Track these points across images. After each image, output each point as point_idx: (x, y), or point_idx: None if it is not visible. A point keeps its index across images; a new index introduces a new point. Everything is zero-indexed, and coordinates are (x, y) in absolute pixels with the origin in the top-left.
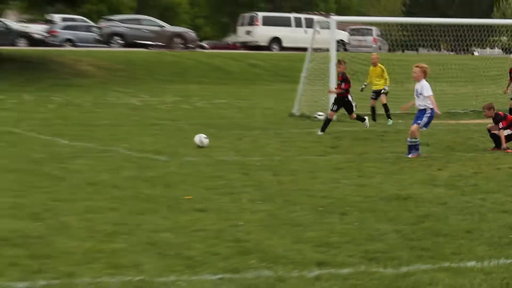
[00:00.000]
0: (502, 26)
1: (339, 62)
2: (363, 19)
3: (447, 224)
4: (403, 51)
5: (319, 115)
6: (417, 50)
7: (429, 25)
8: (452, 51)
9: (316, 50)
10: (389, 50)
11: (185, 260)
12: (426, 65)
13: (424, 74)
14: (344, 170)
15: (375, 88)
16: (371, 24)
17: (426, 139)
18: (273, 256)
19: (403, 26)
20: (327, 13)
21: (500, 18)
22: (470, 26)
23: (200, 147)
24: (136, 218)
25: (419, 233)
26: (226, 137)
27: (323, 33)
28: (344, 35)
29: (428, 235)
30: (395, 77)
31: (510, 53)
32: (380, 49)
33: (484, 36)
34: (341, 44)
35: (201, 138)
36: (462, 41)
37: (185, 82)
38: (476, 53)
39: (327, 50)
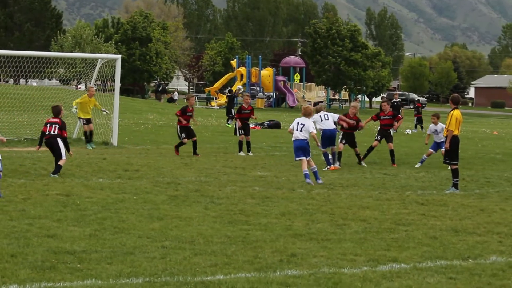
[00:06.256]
0: (59, 58)
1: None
2: None
3: None
4: None
5: None
6: None
7: None
8: (14, 81)
9: None
10: None
11: None
12: None
13: None
14: None
15: (87, 116)
16: None
17: None
18: None
19: None
20: None
21: (58, 51)
22: (29, 57)
23: None
24: None
25: None
26: None
27: None
28: None
29: None
30: None
31: (67, 84)
32: None
33: (43, 68)
34: None
35: None
36: (21, 72)
37: None
38: (34, 84)
39: None
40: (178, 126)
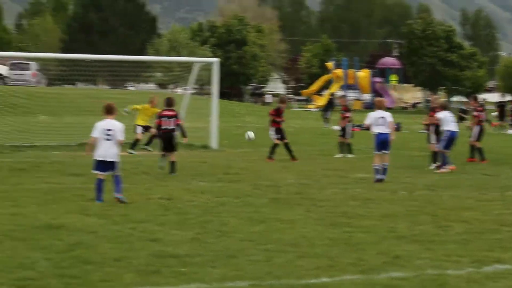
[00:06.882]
0: (156, 62)
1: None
2: (23, 54)
3: (96, 252)
4: (62, 85)
5: None
6: (74, 84)
7: (85, 61)
8: (108, 85)
9: None
10: (48, 84)
11: None
12: None
13: None
14: None
15: (145, 124)
16: (31, 59)
17: (80, 170)
18: None
19: (61, 61)
20: None
21: (154, 55)
22: (125, 62)
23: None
24: None
25: (69, 261)
26: None
27: None
28: (3, 70)
29: (78, 263)
30: (52, 110)
31: (164, 87)
32: (39, 83)
33: (139, 72)
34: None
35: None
36: (117, 76)
37: None
38: (132, 88)
39: None
40: (274, 128)
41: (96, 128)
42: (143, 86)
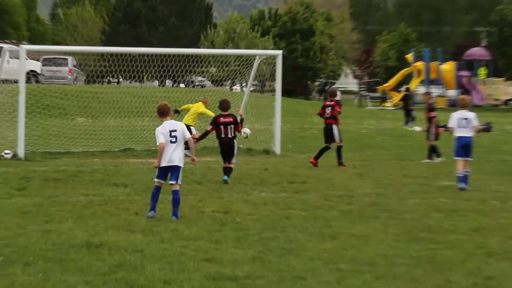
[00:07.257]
0: (211, 56)
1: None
2: (58, 48)
3: (143, 274)
4: (103, 83)
5: (6, 154)
6: (118, 82)
7: (131, 55)
8: (159, 83)
9: (4, 81)
10: (87, 82)
11: None
12: None
13: None
14: (30, 214)
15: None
16: (67, 53)
17: (123, 180)
18: None
19: (102, 55)
20: (18, 42)
21: (209, 47)
22: (176, 56)
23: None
24: None
25: (111, 284)
26: None
27: (13, 63)
28: (36, 65)
29: (121, 286)
30: (91, 111)
31: (220, 85)
32: (76, 80)
33: (192, 67)
34: (32, 75)
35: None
36: (167, 72)
37: None
38: (182, 85)
39: (16, 81)
40: (337, 126)
41: (161, 133)
42: (196, 82)
